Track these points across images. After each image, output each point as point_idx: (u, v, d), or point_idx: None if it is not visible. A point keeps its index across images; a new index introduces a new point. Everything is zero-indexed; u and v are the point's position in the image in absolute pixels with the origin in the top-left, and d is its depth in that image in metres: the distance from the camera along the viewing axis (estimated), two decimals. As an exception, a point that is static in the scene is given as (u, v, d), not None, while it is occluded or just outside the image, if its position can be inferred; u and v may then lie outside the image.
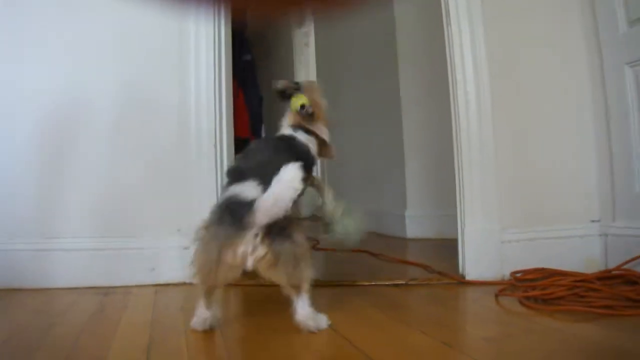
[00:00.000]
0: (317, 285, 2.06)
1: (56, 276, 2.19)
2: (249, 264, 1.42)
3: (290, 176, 1.36)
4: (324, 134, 1.77)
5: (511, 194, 2.21)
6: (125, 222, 2.29)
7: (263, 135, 3.46)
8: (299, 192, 1.38)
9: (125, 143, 2.31)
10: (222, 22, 2.36)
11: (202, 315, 1.51)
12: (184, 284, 2.18)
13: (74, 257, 2.22)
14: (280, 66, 7.40)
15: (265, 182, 1.40)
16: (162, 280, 2.22)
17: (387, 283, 2.15)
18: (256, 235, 1.40)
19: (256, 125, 3.22)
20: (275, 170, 1.37)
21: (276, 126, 1.84)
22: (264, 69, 8.37)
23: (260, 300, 1.98)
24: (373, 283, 2.16)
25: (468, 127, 2.19)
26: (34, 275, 2.18)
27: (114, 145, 2.31)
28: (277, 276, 1.45)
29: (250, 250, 1.40)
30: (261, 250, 1.40)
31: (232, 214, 1.41)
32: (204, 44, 2.32)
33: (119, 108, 2.31)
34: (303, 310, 1.47)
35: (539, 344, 1.34)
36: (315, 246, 3.35)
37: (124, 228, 2.29)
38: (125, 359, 1.32)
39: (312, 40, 5.71)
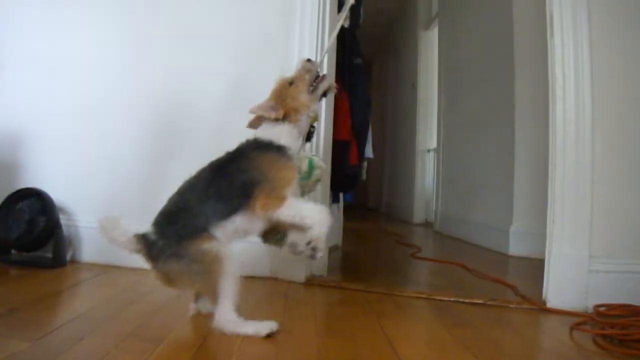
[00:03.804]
0: (398, 295, 2.11)
1: (152, 257, 2.38)
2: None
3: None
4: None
5: (605, 220, 2.05)
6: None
7: (369, 138, 3.47)
8: None
9: (224, 140, 2.44)
10: (327, 19, 2.41)
11: (192, 306, 1.72)
12: (270, 278, 2.28)
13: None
14: (402, 67, 7.37)
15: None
16: (249, 273, 2.28)
17: (465, 300, 2.10)
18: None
19: (362, 129, 3.24)
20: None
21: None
22: (390, 71, 8.42)
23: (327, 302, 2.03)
24: (452, 299, 2.12)
25: (564, 146, 2.06)
26: (133, 255, 2.38)
27: (215, 142, 2.44)
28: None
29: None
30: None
31: None
32: (307, 42, 2.38)
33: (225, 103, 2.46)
34: (219, 317, 1.49)
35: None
36: (414, 255, 3.34)
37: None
38: (180, 341, 1.43)
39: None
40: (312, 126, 1.77)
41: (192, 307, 1.72)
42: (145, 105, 2.51)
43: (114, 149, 2.51)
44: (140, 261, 2.29)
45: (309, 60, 1.76)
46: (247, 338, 1.48)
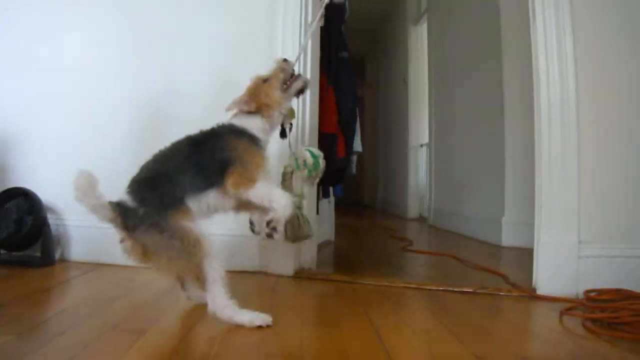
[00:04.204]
0: (386, 285, 2.11)
1: (142, 255, 2.37)
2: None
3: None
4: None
5: (594, 205, 2.05)
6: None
7: (357, 132, 3.45)
8: None
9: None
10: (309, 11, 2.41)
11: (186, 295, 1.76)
12: (258, 272, 2.28)
13: (159, 237, 2.38)
14: (393, 63, 7.38)
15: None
16: (238, 267, 2.30)
17: (455, 289, 2.10)
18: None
19: (350, 122, 3.22)
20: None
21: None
22: (381, 68, 8.43)
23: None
24: (442, 288, 2.12)
25: (550, 131, 2.06)
26: (123, 253, 2.37)
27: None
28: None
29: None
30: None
31: None
32: (290, 42, 2.37)
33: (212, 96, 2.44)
34: (212, 302, 1.49)
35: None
36: (406, 248, 3.34)
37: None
38: (164, 333, 1.42)
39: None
40: (290, 124, 1.85)
41: (186, 296, 1.75)
42: (133, 105, 2.50)
43: (102, 148, 2.50)
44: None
45: (285, 60, 1.82)
46: (231, 329, 1.47)
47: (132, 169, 2.41)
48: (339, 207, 3.83)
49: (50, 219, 2.44)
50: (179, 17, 2.51)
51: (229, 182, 1.56)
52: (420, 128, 6.19)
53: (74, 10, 2.57)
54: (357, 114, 3.38)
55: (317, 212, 2.80)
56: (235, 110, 1.74)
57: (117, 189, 2.40)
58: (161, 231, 1.46)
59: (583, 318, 1.66)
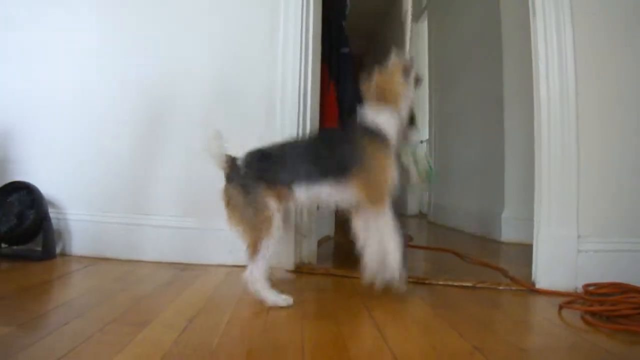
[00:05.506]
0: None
1: (143, 250, 2.40)
2: None
3: None
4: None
5: (593, 199, 2.05)
6: (208, 204, 2.41)
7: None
8: None
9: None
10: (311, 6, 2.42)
11: None
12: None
13: (160, 233, 2.40)
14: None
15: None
16: (238, 262, 2.31)
17: (454, 284, 2.10)
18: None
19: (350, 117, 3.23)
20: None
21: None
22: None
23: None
24: (441, 282, 2.12)
25: (549, 124, 2.06)
26: (123, 248, 2.40)
27: (203, 135, 2.44)
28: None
29: None
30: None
31: None
32: (292, 36, 2.37)
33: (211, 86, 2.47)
34: (250, 272, 1.68)
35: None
36: (407, 243, 3.34)
37: (207, 209, 2.40)
38: (165, 325, 1.42)
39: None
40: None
41: None
42: (134, 99, 2.51)
43: (103, 142, 2.51)
44: (130, 253, 2.34)
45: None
46: (231, 320, 1.49)
47: (132, 162, 2.45)
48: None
49: (52, 213, 2.45)
50: (179, 17, 2.52)
51: (364, 195, 1.74)
52: (420, 124, 6.18)
53: (75, 6, 2.58)
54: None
55: (318, 208, 2.80)
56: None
57: (119, 179, 2.44)
58: (246, 194, 1.69)
59: (582, 311, 1.67)
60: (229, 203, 1.72)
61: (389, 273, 1.78)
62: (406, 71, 1.85)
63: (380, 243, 1.79)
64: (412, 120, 1.93)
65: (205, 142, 1.74)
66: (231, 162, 1.74)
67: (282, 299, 1.67)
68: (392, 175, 1.77)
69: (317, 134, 1.87)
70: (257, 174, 1.71)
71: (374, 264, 1.82)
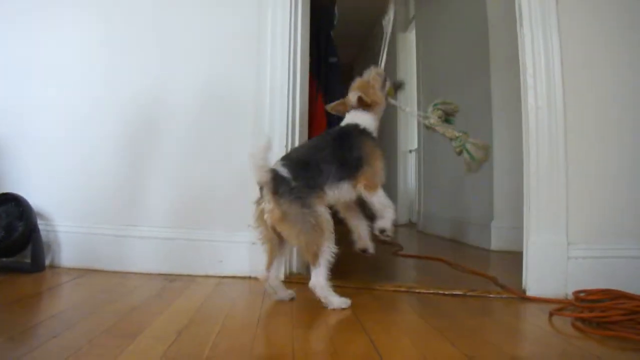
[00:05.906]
0: (376, 289, 2.11)
1: (132, 261, 2.39)
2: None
3: None
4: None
5: (582, 206, 2.07)
6: (197, 215, 2.42)
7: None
8: None
9: (200, 141, 2.45)
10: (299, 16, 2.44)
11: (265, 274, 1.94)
12: (249, 277, 2.28)
13: (148, 244, 2.39)
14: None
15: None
16: (228, 273, 2.33)
17: (444, 292, 2.11)
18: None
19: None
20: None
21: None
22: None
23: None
24: (431, 291, 2.12)
25: (537, 133, 2.08)
26: (112, 259, 2.38)
27: (190, 144, 2.45)
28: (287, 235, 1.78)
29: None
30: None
31: None
32: (279, 44, 2.38)
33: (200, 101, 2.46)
34: (316, 278, 1.75)
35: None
36: (396, 252, 3.35)
37: (196, 220, 2.42)
38: (154, 337, 1.41)
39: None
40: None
41: (264, 276, 1.91)
42: (122, 112, 2.50)
43: (92, 155, 2.50)
44: (119, 264, 2.33)
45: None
46: (221, 331, 1.48)
47: (120, 173, 2.44)
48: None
49: (41, 224, 2.43)
50: (169, 23, 2.52)
51: (362, 183, 1.89)
52: (409, 133, 6.21)
53: (67, 14, 2.58)
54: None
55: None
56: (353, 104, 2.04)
57: (107, 190, 2.43)
58: (303, 206, 1.73)
59: (572, 318, 1.68)
60: (285, 219, 1.73)
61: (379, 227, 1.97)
62: (382, 82, 2.13)
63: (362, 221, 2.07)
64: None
65: (255, 150, 1.74)
66: (274, 173, 1.75)
67: (345, 303, 1.77)
68: (384, 165, 1.97)
69: (330, 135, 1.99)
70: (306, 183, 1.77)
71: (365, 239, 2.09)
